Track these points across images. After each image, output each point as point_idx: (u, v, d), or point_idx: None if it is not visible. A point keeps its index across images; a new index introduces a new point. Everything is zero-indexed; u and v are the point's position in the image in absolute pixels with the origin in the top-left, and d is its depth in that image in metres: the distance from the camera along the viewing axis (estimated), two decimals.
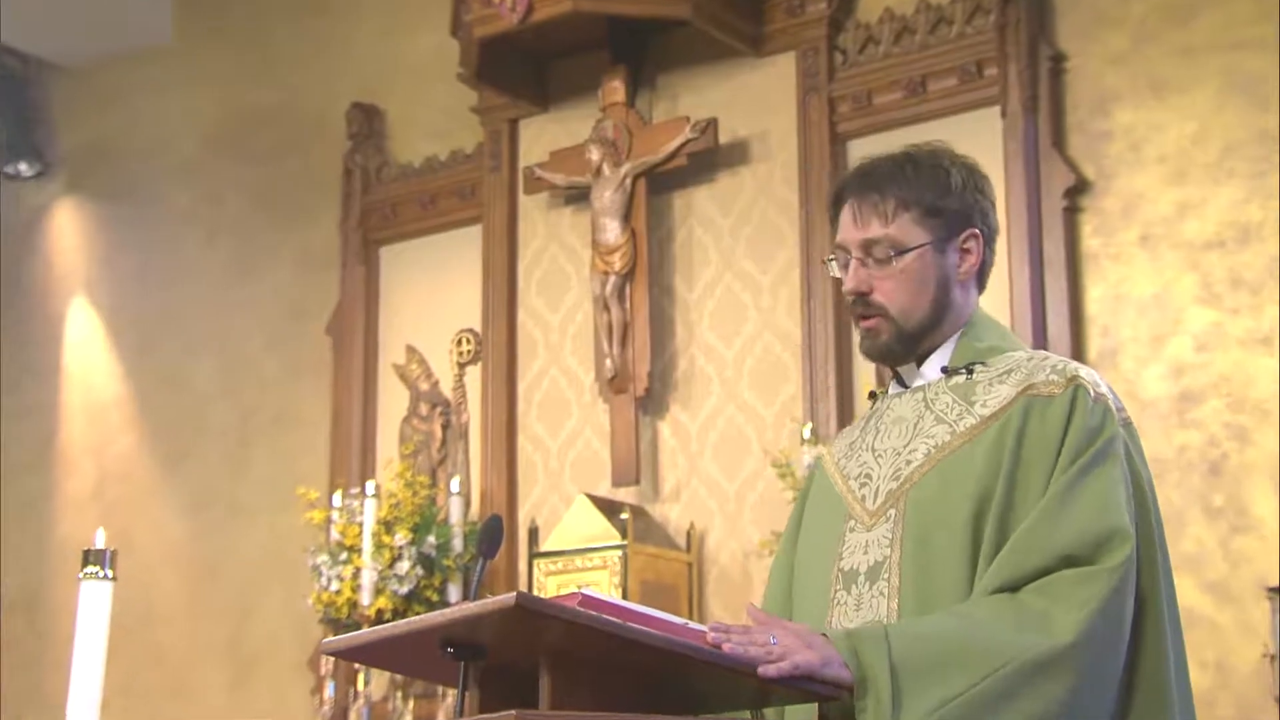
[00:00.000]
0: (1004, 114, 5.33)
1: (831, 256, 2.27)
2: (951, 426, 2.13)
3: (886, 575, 2.08)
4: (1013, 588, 1.99)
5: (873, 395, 2.33)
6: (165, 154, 7.41)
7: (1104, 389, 2.15)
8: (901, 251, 2.18)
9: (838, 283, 2.28)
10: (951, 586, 2.04)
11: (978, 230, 2.24)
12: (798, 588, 2.25)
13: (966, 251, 2.23)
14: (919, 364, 2.23)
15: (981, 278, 2.27)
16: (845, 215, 2.24)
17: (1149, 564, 2.06)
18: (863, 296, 2.20)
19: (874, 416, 2.28)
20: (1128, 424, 2.15)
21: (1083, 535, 1.99)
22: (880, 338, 2.20)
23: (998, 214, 2.31)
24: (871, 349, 2.23)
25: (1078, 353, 5.13)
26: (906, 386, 2.25)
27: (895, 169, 2.24)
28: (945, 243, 2.21)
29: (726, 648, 1.90)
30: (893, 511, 2.11)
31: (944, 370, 2.21)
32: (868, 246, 2.20)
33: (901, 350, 2.21)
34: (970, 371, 2.18)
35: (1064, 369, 2.14)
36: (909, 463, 2.14)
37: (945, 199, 2.22)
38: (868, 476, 2.18)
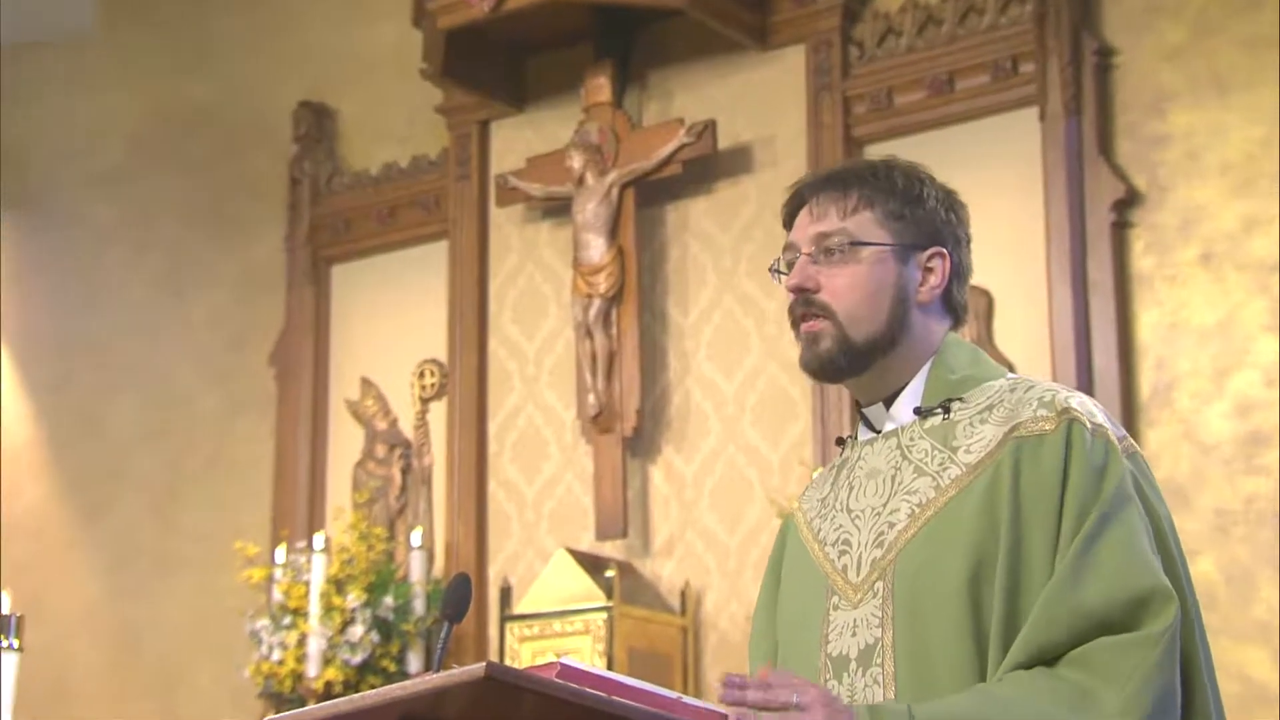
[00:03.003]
0: (1043, 116, 5.37)
1: (777, 266, 2.26)
2: (934, 478, 2.13)
3: (879, 660, 2.08)
4: (1043, 662, 1.99)
5: (840, 441, 2.32)
6: (85, 160, 7.42)
7: (1101, 418, 2.14)
8: (857, 244, 2.19)
9: None
10: (952, 668, 2.04)
11: (945, 251, 2.24)
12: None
13: (929, 270, 2.23)
14: (887, 405, 2.23)
15: (951, 308, 2.26)
16: (801, 215, 2.26)
17: (1185, 621, 2.06)
18: (807, 294, 2.20)
19: (844, 467, 2.27)
20: (1133, 454, 2.14)
21: (1116, 598, 1.99)
22: (821, 344, 2.19)
23: (971, 249, 2.30)
24: (811, 359, 2.21)
25: (1128, 389, 5.15)
26: (876, 431, 2.25)
27: (865, 170, 2.26)
28: (908, 252, 2.22)
29: (735, 715, 1.89)
30: (880, 585, 2.11)
31: (917, 411, 2.20)
32: (820, 240, 2.21)
33: (845, 364, 2.20)
34: (947, 410, 2.19)
35: (1051, 400, 2.13)
36: (892, 525, 2.13)
37: (913, 207, 2.23)
38: (846, 543, 2.17)
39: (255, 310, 6.86)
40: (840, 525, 2.20)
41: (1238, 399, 5.09)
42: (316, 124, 6.81)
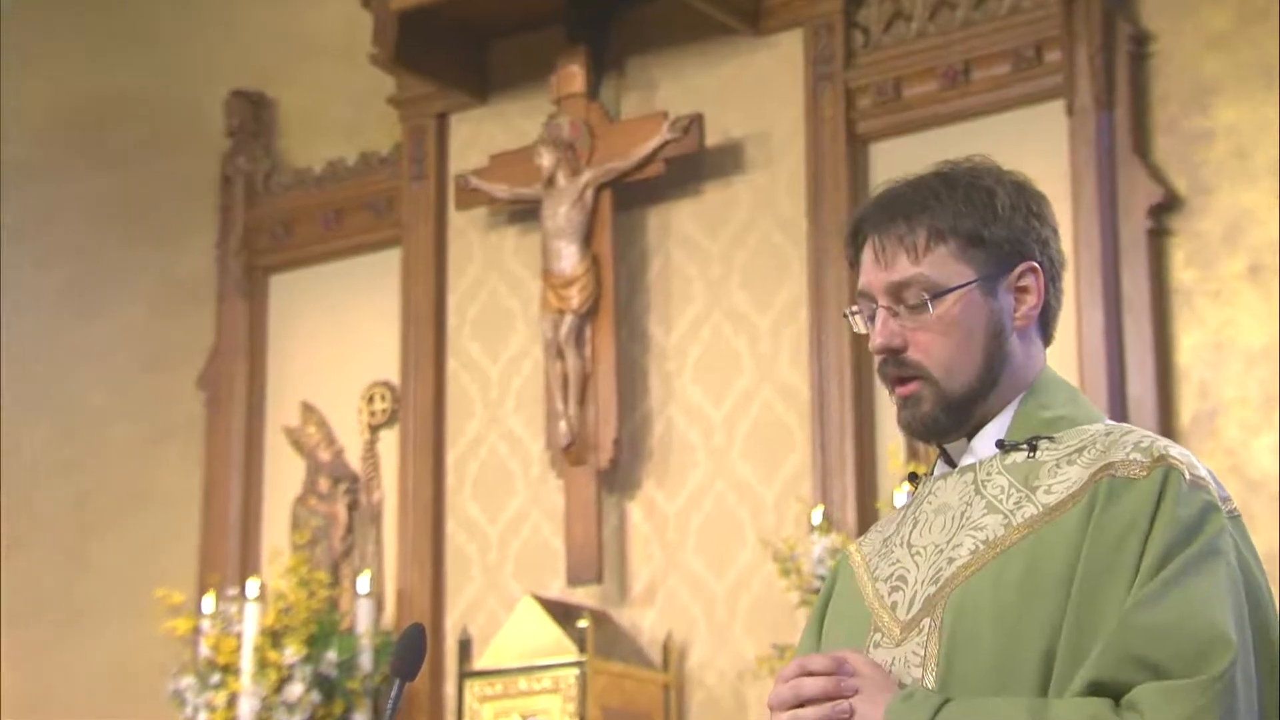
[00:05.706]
0: (1070, 110, 5.42)
1: (854, 309, 2.31)
2: (1007, 517, 2.18)
3: None
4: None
5: (913, 477, 2.37)
6: None
7: (1203, 472, 2.19)
8: (939, 294, 2.23)
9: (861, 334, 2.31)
10: None
11: (1036, 263, 2.28)
12: None
13: (1023, 291, 2.27)
14: (969, 436, 2.28)
15: (1045, 325, 2.31)
16: (866, 255, 2.29)
17: (1271, 686, 2.10)
18: (895, 354, 2.25)
19: (914, 504, 2.32)
20: (1236, 517, 2.20)
21: (1178, 645, 2.04)
22: (922, 407, 2.24)
23: (1062, 242, 2.34)
24: (913, 422, 2.26)
25: (1165, 418, 5.19)
26: (954, 465, 2.30)
27: (924, 192, 2.28)
28: (995, 281, 2.25)
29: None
30: (927, 621, 2.16)
31: (999, 445, 2.26)
32: (896, 291, 2.25)
33: (950, 422, 2.26)
34: (1033, 448, 2.24)
35: (1149, 446, 2.18)
36: (951, 561, 2.18)
37: (991, 226, 2.26)
38: (901, 579, 2.23)
39: (181, 326, 6.86)
40: (898, 561, 2.25)
41: None
42: (252, 115, 6.82)
